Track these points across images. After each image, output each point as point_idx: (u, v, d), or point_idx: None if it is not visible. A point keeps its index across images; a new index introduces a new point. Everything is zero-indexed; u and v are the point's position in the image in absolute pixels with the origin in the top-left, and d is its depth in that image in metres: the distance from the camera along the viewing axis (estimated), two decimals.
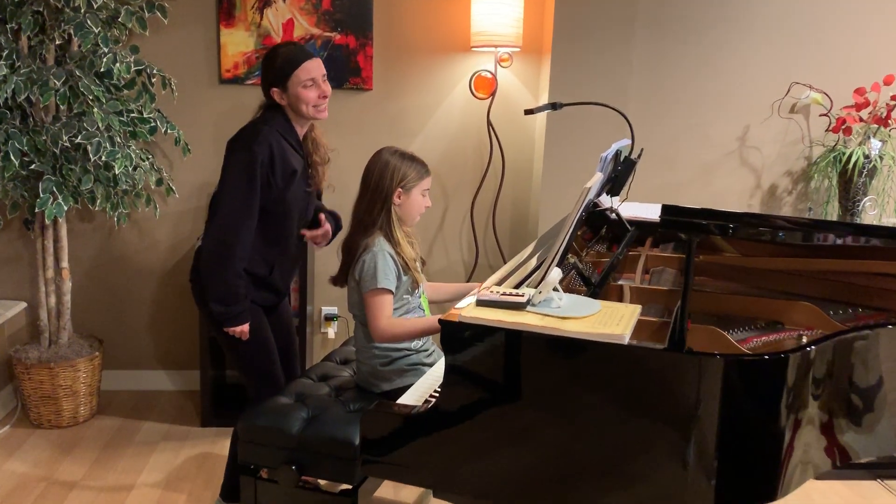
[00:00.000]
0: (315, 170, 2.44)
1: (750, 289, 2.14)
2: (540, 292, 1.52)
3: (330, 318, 3.56)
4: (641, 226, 2.54)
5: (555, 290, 1.55)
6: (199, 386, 3.21)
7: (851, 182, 3.16)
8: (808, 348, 1.40)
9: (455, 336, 1.48)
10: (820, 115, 3.31)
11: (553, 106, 2.04)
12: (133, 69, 2.86)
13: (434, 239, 3.58)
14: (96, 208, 2.98)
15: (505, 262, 3.55)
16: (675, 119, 3.41)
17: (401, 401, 1.70)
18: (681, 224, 1.34)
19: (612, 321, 1.47)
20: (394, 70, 3.40)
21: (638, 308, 1.55)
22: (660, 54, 3.33)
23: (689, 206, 1.33)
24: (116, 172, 2.80)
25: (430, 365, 2.31)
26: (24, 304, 3.39)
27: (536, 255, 2.03)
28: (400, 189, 2.22)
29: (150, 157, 3.18)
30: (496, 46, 3.22)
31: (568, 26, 3.17)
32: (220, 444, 3.08)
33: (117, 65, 2.76)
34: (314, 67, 2.29)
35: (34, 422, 3.17)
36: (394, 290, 2.21)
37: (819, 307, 1.85)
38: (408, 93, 3.43)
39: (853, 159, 3.12)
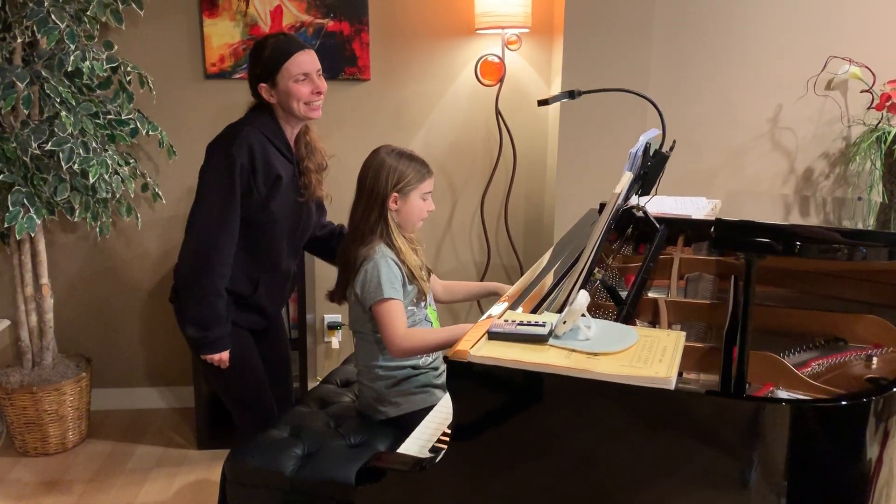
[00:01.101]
0: (308, 177, 2.18)
1: (799, 294, 1.88)
2: (564, 322, 1.27)
3: (333, 327, 3.32)
4: (671, 223, 2.28)
5: (582, 315, 1.30)
6: (194, 403, 2.99)
7: None
8: (892, 388, 1.14)
9: (464, 378, 1.23)
10: (861, 92, 3.02)
11: (571, 94, 1.78)
12: (107, 67, 2.61)
13: (442, 239, 3.32)
14: (75, 219, 2.75)
15: (519, 262, 3.31)
16: (701, 101, 3.13)
17: (404, 449, 1.45)
18: (737, 242, 1.08)
19: (652, 356, 1.21)
20: (393, 58, 3.13)
21: (682, 337, 1.29)
22: (682, 31, 3.04)
23: (746, 221, 1.07)
24: (91, 181, 2.56)
25: (442, 386, 2.07)
26: (7, 322, 3.17)
27: (556, 266, 1.78)
28: (396, 193, 1.98)
29: (133, 161, 2.94)
30: (503, 28, 2.95)
31: (581, 3, 2.89)
32: (216, 470, 2.84)
33: (87, 63, 2.51)
34: (307, 60, 2.04)
35: (19, 449, 2.96)
36: (402, 298, 1.97)
37: (883, 316, 1.59)
38: (409, 82, 3.16)
39: None
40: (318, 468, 1.84)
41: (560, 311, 1.44)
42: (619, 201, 1.34)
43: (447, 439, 1.49)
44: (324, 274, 3.25)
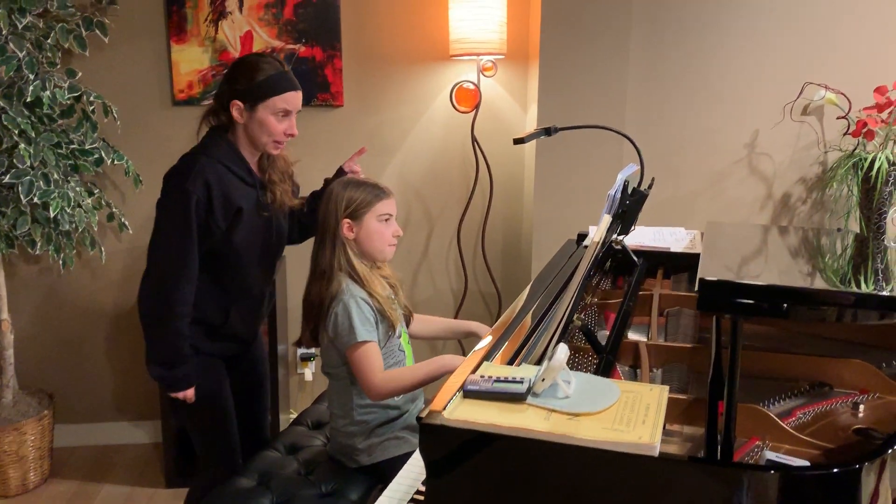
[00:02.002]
0: (272, 190, 2.07)
1: (779, 331, 1.83)
2: (543, 379, 1.21)
3: (306, 359, 3.24)
4: (650, 256, 2.24)
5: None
6: (162, 438, 2.89)
7: (875, 190, 2.86)
8: (887, 450, 1.09)
9: (438, 441, 1.17)
10: (837, 118, 3.01)
11: (547, 131, 1.73)
12: (69, 96, 2.52)
13: (419, 266, 3.26)
14: (37, 252, 2.65)
15: (497, 289, 3.25)
16: (678, 126, 3.10)
17: None
18: (722, 304, 1.03)
19: (635, 416, 1.15)
20: (366, 83, 3.07)
21: (664, 393, 1.24)
22: (659, 56, 3.02)
23: (731, 282, 1.02)
24: (51, 215, 2.46)
25: (416, 430, 2.00)
26: None
27: (535, 307, 1.72)
28: (348, 220, 1.90)
29: (97, 190, 2.85)
30: (478, 55, 2.90)
31: (557, 29, 2.85)
32: None
33: (47, 92, 2.43)
34: (295, 100, 1.96)
35: None
36: (376, 339, 1.89)
37: (869, 359, 1.55)
38: (383, 108, 3.10)
39: (876, 165, 2.82)
40: None
41: (538, 362, 1.38)
42: (598, 249, 1.28)
43: (420, 497, 1.43)
44: (296, 304, 3.16)
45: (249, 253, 2.04)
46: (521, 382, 1.23)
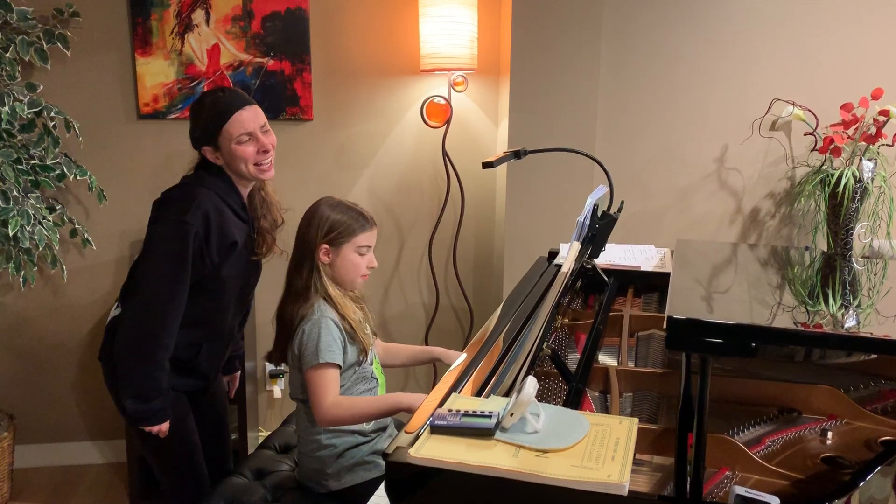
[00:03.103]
0: (262, 237, 2.07)
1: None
2: (512, 413, 1.19)
3: (275, 376, 3.19)
4: (620, 275, 2.23)
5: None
6: (127, 458, 2.82)
7: (842, 206, 2.89)
8: (854, 487, 1.08)
9: (404, 479, 1.14)
10: (805, 134, 3.04)
11: (516, 154, 1.71)
12: (28, 111, 2.46)
13: (390, 281, 3.23)
14: None
15: (468, 304, 3.23)
16: (648, 141, 3.11)
17: None
18: (691, 343, 1.02)
19: (604, 452, 1.14)
20: (336, 97, 3.04)
21: (634, 425, 1.23)
22: (629, 71, 3.03)
23: (699, 320, 1.01)
24: (10, 233, 2.39)
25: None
26: None
27: (505, 330, 1.70)
28: (326, 245, 1.87)
29: (59, 206, 2.78)
30: (449, 69, 2.88)
31: (527, 44, 2.85)
32: None
33: (6, 107, 2.36)
34: (249, 118, 1.91)
35: None
36: (341, 364, 1.86)
37: (836, 382, 1.56)
38: (353, 122, 3.07)
39: (843, 181, 2.85)
40: None
41: (507, 394, 1.36)
42: (568, 279, 1.27)
43: None
44: (265, 321, 3.12)
45: (232, 289, 2.02)
46: (490, 417, 1.21)
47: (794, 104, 2.98)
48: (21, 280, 2.68)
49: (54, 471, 3.10)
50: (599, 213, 1.72)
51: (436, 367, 3.29)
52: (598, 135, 3.00)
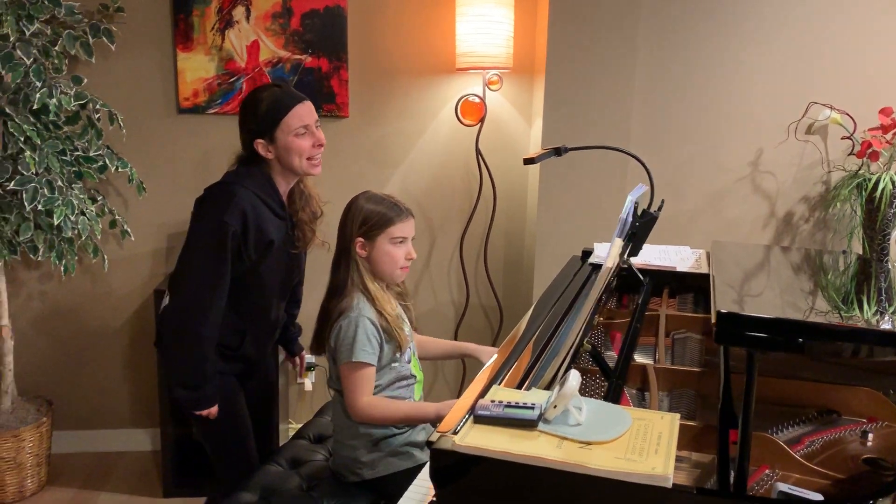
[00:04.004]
0: (301, 229, 2.11)
1: (784, 357, 1.83)
2: (555, 406, 1.20)
3: (308, 368, 3.22)
4: (655, 275, 2.23)
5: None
6: (161, 447, 2.87)
7: (878, 211, 2.87)
8: None
9: (448, 467, 1.16)
10: (842, 139, 3.01)
11: (557, 151, 1.73)
12: (74, 103, 2.51)
13: (420, 278, 3.25)
14: (39, 258, 2.64)
15: (498, 302, 3.24)
16: (683, 143, 3.10)
17: None
18: (740, 337, 1.02)
19: (647, 446, 1.15)
20: (372, 95, 3.07)
21: (676, 421, 1.24)
22: (664, 72, 3.02)
23: (750, 316, 1.02)
24: (55, 222, 2.45)
25: (422, 445, 1.99)
26: None
27: (541, 328, 1.71)
28: (361, 238, 1.89)
29: (101, 198, 2.84)
30: (484, 68, 2.90)
31: (563, 44, 2.86)
32: None
33: (53, 100, 2.42)
34: (307, 112, 1.97)
35: None
36: (375, 363, 1.88)
37: (876, 385, 1.55)
38: (388, 120, 3.10)
39: (880, 186, 2.83)
40: None
41: (548, 387, 1.38)
42: (611, 274, 1.28)
43: None
44: (302, 314, 3.16)
45: (272, 283, 2.07)
46: (533, 408, 1.23)
47: (831, 107, 2.96)
48: (62, 269, 2.74)
49: (89, 457, 3.16)
50: (639, 212, 1.73)
51: (465, 364, 3.31)
52: (633, 136, 3.00)
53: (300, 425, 3.26)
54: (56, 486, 2.95)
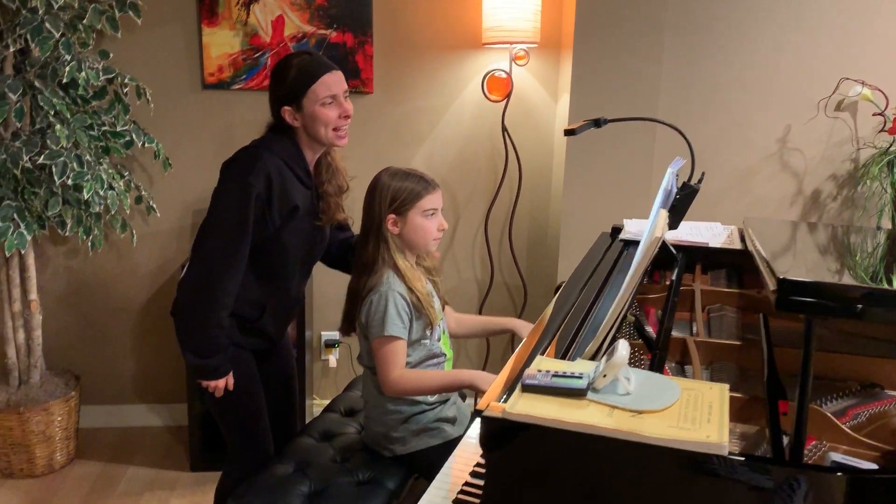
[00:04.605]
0: (326, 201, 2.08)
1: (822, 331, 1.81)
2: (605, 375, 1.20)
3: (331, 345, 3.23)
4: (687, 250, 2.22)
5: None
6: (188, 422, 2.89)
7: None
8: None
9: (499, 435, 1.16)
10: (873, 115, 2.97)
11: (596, 123, 1.71)
12: (102, 77, 2.51)
13: (444, 255, 3.25)
14: (66, 233, 2.64)
15: (523, 280, 3.24)
16: (711, 120, 3.07)
17: (425, 501, 1.38)
18: (803, 305, 1.01)
19: (699, 415, 1.14)
20: (397, 70, 3.05)
21: (726, 392, 1.23)
22: (693, 48, 2.99)
23: (814, 282, 1.01)
24: (85, 197, 2.45)
25: (452, 420, 2.00)
26: None
27: (577, 303, 1.70)
28: (393, 215, 1.89)
29: (127, 173, 2.84)
30: (511, 43, 2.88)
31: (591, 19, 2.83)
32: (211, 494, 2.73)
33: (83, 73, 2.41)
34: (335, 82, 1.94)
35: (4, 471, 2.85)
36: (406, 337, 1.88)
37: None
38: (413, 95, 3.08)
39: None
40: None
41: (593, 357, 1.37)
42: (657, 245, 1.27)
43: (470, 489, 1.42)
44: (323, 291, 3.17)
45: (295, 254, 2.04)
46: (581, 378, 1.22)
47: (863, 83, 2.92)
48: (90, 244, 2.75)
49: (116, 432, 3.19)
50: (679, 185, 1.71)
51: (489, 343, 3.31)
52: (661, 112, 2.97)
53: (325, 401, 3.28)
54: (84, 459, 2.98)
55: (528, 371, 1.25)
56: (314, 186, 2.05)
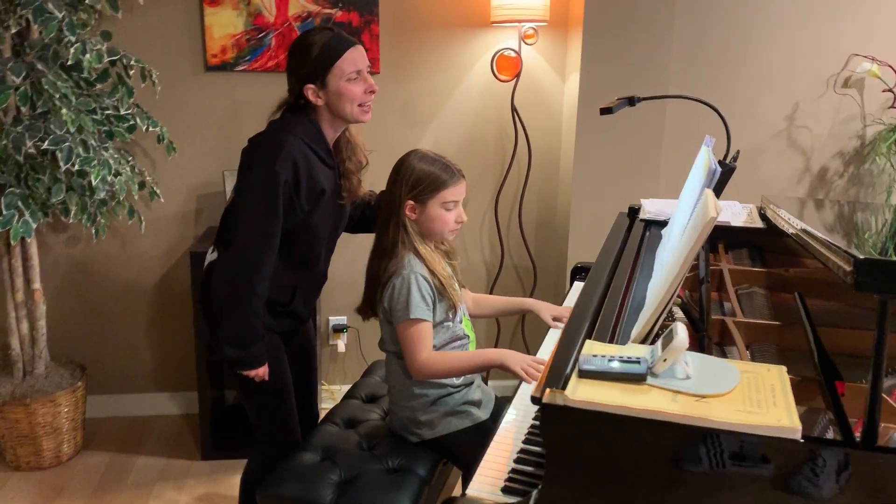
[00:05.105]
0: (349, 179, 2.05)
1: (852, 309, 1.81)
2: (665, 359, 1.18)
3: (339, 330, 3.20)
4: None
5: None
6: (198, 409, 2.85)
7: None
8: None
9: (561, 423, 1.14)
10: (882, 91, 2.97)
11: (630, 101, 1.68)
12: (107, 59, 2.43)
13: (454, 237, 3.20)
14: (70, 220, 2.58)
15: (532, 262, 3.21)
16: (720, 98, 3.03)
17: (474, 491, 1.35)
18: (880, 284, 1.00)
19: (763, 398, 1.13)
20: (403, 50, 3.00)
21: (784, 372, 1.22)
22: (703, 26, 2.96)
23: (889, 261, 0.99)
24: (94, 183, 2.39)
25: (478, 403, 1.98)
26: None
27: (611, 287, 1.68)
28: (411, 201, 1.84)
29: (130, 158, 2.77)
30: (520, 21, 2.83)
31: None
32: (224, 482, 2.73)
33: (87, 55, 2.34)
34: (360, 57, 1.90)
35: (11, 464, 2.80)
36: (431, 319, 1.85)
37: None
38: (420, 76, 3.03)
39: None
40: (360, 497, 1.74)
41: (643, 342, 1.35)
42: (710, 228, 1.24)
43: (517, 476, 1.40)
44: (331, 275, 3.10)
45: (322, 234, 2.02)
46: (639, 363, 1.20)
47: (873, 59, 2.91)
48: (94, 232, 2.68)
49: (124, 421, 3.15)
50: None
51: (499, 323, 3.29)
52: (670, 90, 2.95)
53: (333, 387, 3.26)
54: (92, 450, 2.93)
55: (583, 356, 1.23)
56: (336, 165, 2.01)
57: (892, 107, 2.96)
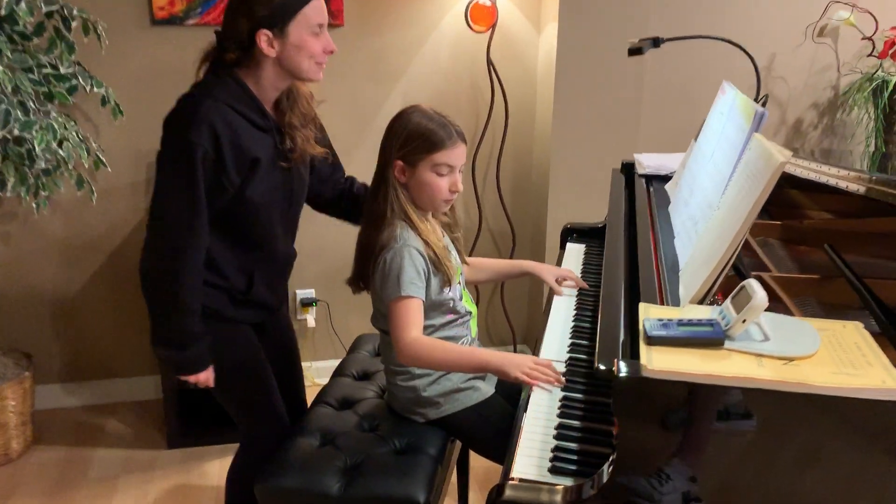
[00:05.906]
0: (292, 136, 1.76)
1: (875, 259, 1.74)
2: (744, 320, 1.06)
3: (308, 304, 3.01)
4: None
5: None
6: (162, 394, 2.63)
7: None
8: None
9: (637, 396, 1.01)
10: (862, 39, 2.93)
11: (655, 42, 1.55)
12: (46, 10, 2.15)
13: None
14: (7, 194, 2.31)
15: (511, 226, 3.07)
16: (698, 50, 2.94)
17: (519, 473, 1.21)
18: None
19: (854, 358, 1.03)
20: (369, 0, 2.78)
21: (860, 327, 1.12)
22: None
23: None
24: (37, 150, 2.13)
25: (484, 376, 1.83)
26: None
27: (637, 246, 1.56)
28: (400, 161, 1.65)
29: (72, 122, 2.50)
30: None
31: None
32: (196, 472, 2.54)
33: (22, 4, 2.06)
34: (324, 8, 1.67)
35: None
36: (423, 297, 1.67)
37: None
38: (387, 28, 2.83)
39: None
40: (371, 484, 1.59)
41: (700, 303, 1.24)
42: (778, 174, 1.12)
43: (562, 455, 1.28)
44: (297, 246, 2.92)
45: (269, 210, 1.77)
46: (711, 325, 1.08)
47: (854, 6, 2.85)
48: (35, 206, 2.42)
49: (77, 411, 2.90)
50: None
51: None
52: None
53: (305, 363, 3.07)
54: (45, 444, 2.69)
55: (648, 321, 1.10)
56: (274, 126, 1.74)
57: (871, 55, 2.92)
